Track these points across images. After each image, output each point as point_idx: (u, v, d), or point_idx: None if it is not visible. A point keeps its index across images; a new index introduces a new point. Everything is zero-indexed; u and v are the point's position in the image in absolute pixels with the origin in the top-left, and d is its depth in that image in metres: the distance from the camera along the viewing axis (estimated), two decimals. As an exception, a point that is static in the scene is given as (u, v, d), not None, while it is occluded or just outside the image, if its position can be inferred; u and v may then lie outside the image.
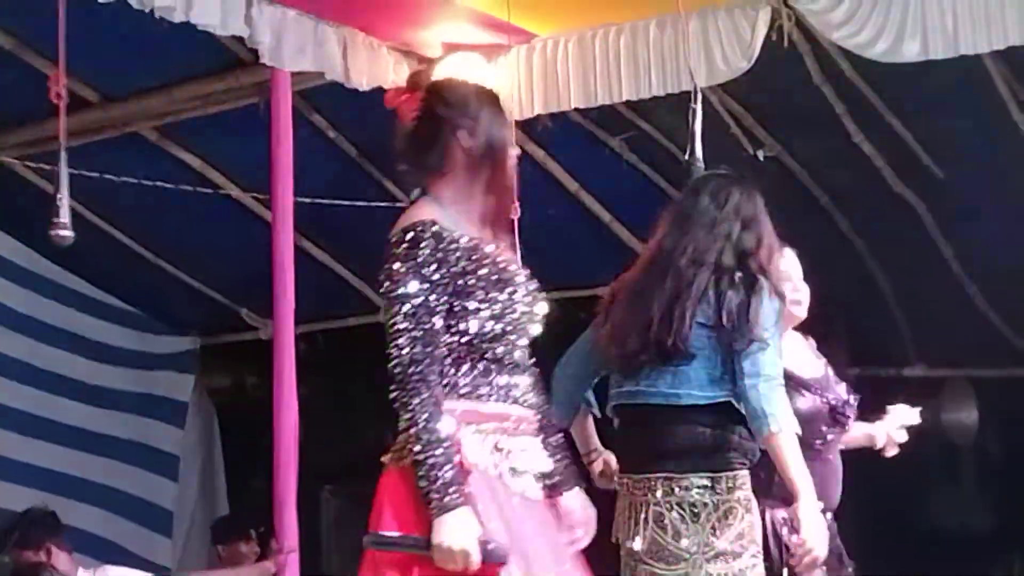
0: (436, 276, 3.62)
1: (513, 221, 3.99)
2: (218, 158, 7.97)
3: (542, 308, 3.79)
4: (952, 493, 9.71)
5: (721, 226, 4.39)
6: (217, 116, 7.45)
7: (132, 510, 9.24)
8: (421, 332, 3.57)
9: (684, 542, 4.18)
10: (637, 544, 4.22)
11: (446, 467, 3.49)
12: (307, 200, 7.02)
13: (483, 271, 3.68)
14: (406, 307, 3.58)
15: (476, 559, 3.44)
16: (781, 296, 4.40)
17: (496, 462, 3.66)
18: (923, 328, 8.85)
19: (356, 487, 9.79)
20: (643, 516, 4.24)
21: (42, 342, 8.99)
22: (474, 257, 3.68)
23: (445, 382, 3.64)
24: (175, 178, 7.81)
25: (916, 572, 8.38)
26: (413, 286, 3.59)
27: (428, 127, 3.86)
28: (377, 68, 6.62)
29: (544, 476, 3.80)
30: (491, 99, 3.92)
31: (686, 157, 4.83)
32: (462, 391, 3.66)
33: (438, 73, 6.91)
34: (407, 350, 3.55)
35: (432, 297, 3.60)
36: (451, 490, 3.48)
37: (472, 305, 3.66)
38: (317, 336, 9.54)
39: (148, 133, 7.77)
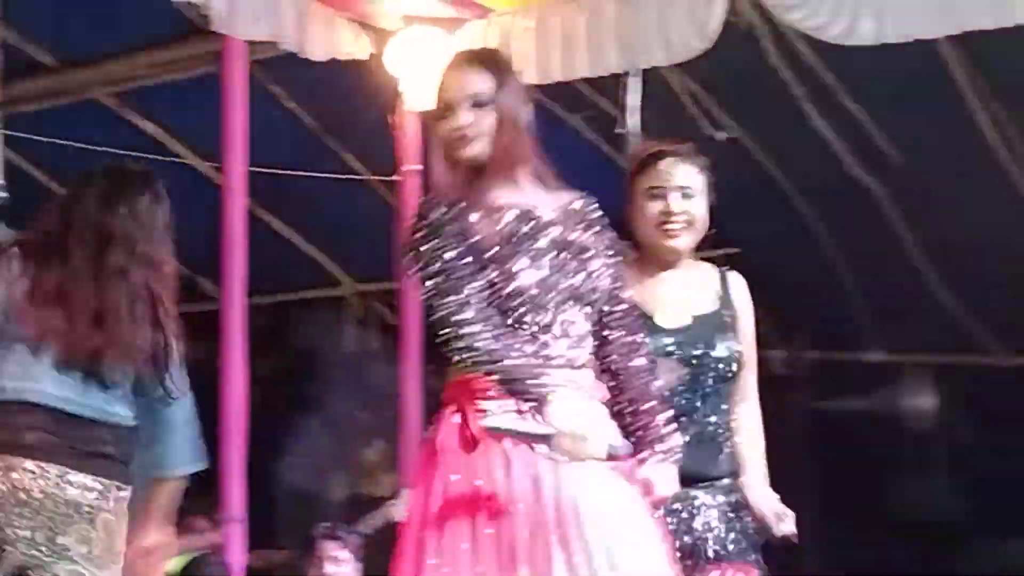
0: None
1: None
2: (177, 126, 7.95)
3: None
4: (914, 482, 9.75)
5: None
6: (176, 83, 7.43)
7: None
8: None
9: None
10: None
11: None
12: (262, 171, 6.99)
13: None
14: None
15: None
16: None
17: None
18: (882, 313, 8.88)
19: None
20: None
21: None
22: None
23: None
24: (134, 145, 7.77)
25: (884, 562, 8.43)
26: None
27: None
28: (334, 39, 6.61)
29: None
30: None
31: (617, 129, 4.82)
32: None
33: (395, 46, 6.91)
34: None
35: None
36: None
37: None
38: (276, 308, 9.54)
39: (107, 100, 7.74)
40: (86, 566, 4.09)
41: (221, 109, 6.27)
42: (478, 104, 3.51)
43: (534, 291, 3.44)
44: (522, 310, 3.43)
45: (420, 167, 7.20)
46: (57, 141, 7.37)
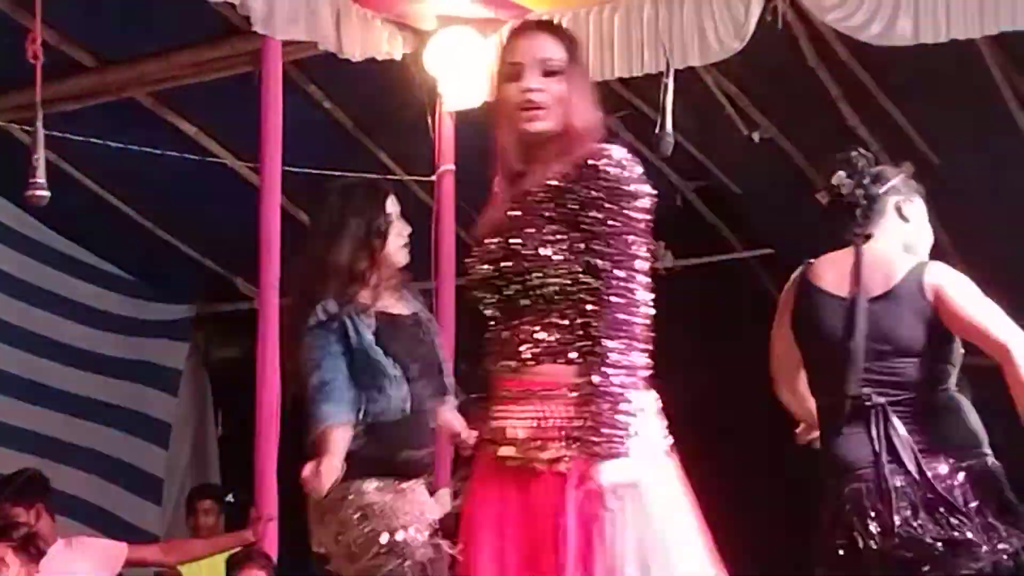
0: None
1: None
2: (214, 126, 7.96)
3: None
4: None
5: None
6: (213, 84, 7.44)
7: (122, 476, 9.23)
8: None
9: None
10: None
11: None
12: (298, 169, 7.00)
13: None
14: None
15: None
16: None
17: None
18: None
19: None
20: None
21: (36, 306, 8.99)
22: None
23: None
24: (171, 145, 7.80)
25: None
26: None
27: None
28: (371, 39, 6.63)
29: None
30: None
31: (656, 131, 4.81)
32: None
33: (433, 46, 6.92)
34: None
35: None
36: None
37: None
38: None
39: (144, 99, 7.77)
40: None
41: (258, 109, 6.29)
42: (549, 72, 3.26)
43: None
44: None
45: (455, 167, 7.22)
46: (95, 141, 7.40)
